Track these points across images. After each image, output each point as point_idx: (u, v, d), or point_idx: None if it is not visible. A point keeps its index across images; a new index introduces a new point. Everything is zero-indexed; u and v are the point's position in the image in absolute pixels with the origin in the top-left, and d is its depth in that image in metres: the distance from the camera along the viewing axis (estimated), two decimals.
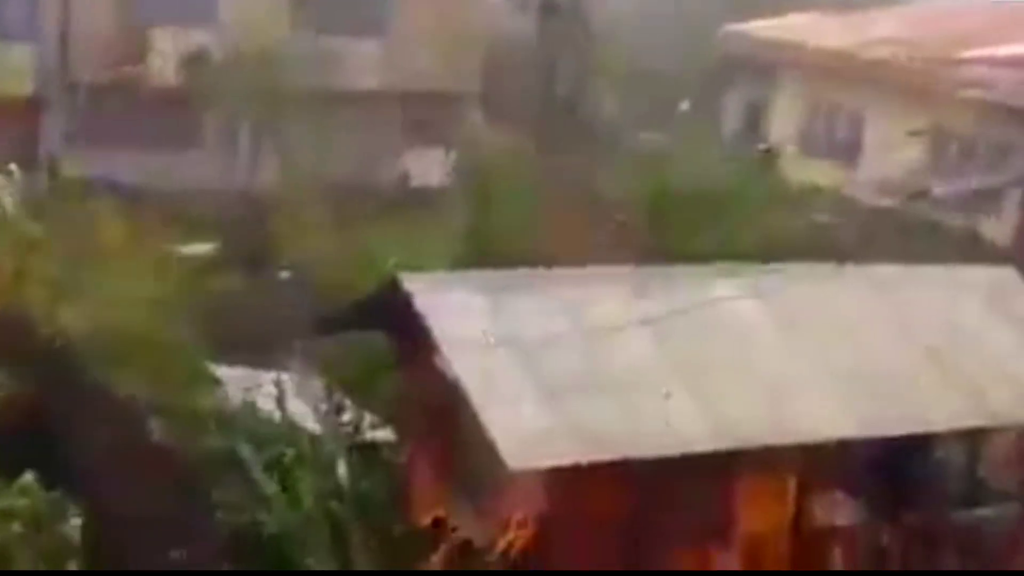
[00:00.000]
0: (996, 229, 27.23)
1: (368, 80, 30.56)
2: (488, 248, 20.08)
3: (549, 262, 15.01)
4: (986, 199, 27.79)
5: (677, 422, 12.87)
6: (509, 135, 29.25)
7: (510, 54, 33.08)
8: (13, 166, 23.77)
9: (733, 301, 14.19)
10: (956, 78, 28.04)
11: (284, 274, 22.32)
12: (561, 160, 26.84)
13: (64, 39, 29.21)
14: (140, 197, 23.44)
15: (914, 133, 27.29)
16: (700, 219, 21.79)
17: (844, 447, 13.90)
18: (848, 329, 14.46)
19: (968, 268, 16.11)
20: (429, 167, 29.94)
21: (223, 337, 17.75)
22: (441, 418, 14.09)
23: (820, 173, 29.51)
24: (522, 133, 29.44)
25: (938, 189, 27.49)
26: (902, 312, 14.94)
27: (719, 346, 13.76)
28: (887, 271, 15.84)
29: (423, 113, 30.72)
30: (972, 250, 23.24)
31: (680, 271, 14.82)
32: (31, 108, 28.72)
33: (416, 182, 29.71)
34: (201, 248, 22.70)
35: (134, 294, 17.68)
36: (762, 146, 30.53)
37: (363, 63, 30.58)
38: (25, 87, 28.56)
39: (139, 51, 29.47)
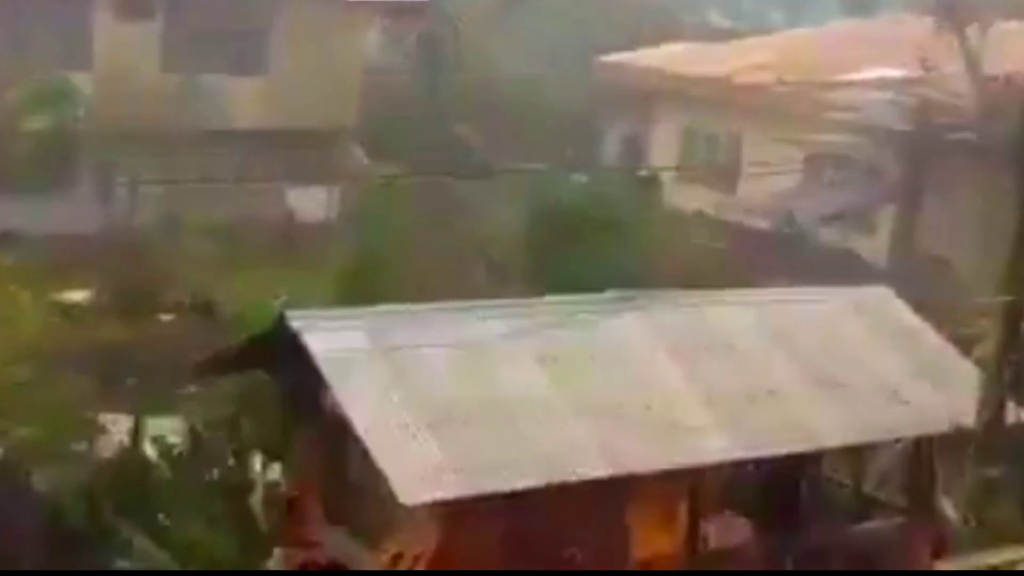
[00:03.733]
0: (871, 248, 27.85)
1: (248, 119, 30.37)
2: (374, 283, 20.04)
3: (435, 294, 15.02)
4: (860, 219, 28.42)
5: (567, 450, 12.94)
6: (392, 169, 29.25)
7: (390, 88, 33.13)
8: None
9: (617, 326, 14.33)
10: (826, 101, 28.69)
11: (166, 317, 22.06)
12: (444, 192, 26.91)
13: None
14: (11, 244, 23.02)
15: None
16: (582, 246, 21.97)
17: (734, 468, 14.08)
18: (732, 351, 14.68)
19: (844, 288, 16.47)
20: (314, 204, 29.83)
21: (107, 383, 17.47)
22: (331, 455, 14.00)
23: (700, 199, 29.94)
24: (404, 167, 29.47)
25: (813, 210, 28.06)
26: (784, 333, 15.20)
27: (605, 372, 13.87)
28: (768, 293, 16.14)
29: (306, 150, 30.60)
30: (848, 269, 23.73)
31: (564, 299, 14.94)
32: None
33: (301, 219, 29.57)
34: (79, 295, 22.35)
35: (8, 343, 17.34)
36: (642, 173, 30.90)
37: (243, 102, 30.40)
38: None
39: (10, 95, 29.00)
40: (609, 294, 14.89)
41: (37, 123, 27.89)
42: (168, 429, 16.10)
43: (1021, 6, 29.90)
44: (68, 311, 20.74)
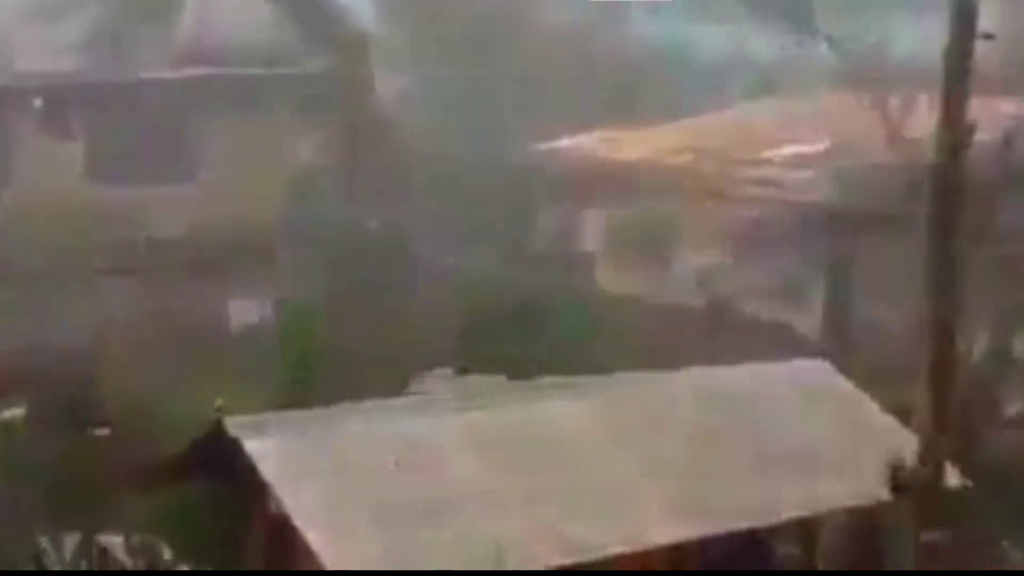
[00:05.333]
0: (805, 322, 28.11)
1: (178, 229, 30.27)
2: (314, 385, 19.95)
3: (373, 391, 14.99)
4: (792, 292, 28.73)
5: (519, 542, 12.89)
6: (328, 270, 29.23)
7: (323, 188, 33.12)
8: None
9: (557, 413, 14.36)
10: (747, 179, 29.19)
11: (101, 431, 21.78)
12: (375, 289, 26.92)
13: None
14: None
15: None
16: (517, 335, 22.03)
17: (682, 550, 14.06)
18: (673, 432, 14.73)
19: (783, 364, 16.62)
20: (250, 309, 29.70)
21: (43, 503, 17.20)
22: (275, 558, 13.86)
23: (631, 280, 30.16)
24: (341, 266, 29.46)
25: (743, 286, 28.36)
26: (724, 412, 15.29)
27: (548, 459, 13.87)
28: (706, 373, 16.22)
29: (238, 257, 30.49)
30: (783, 342, 23.92)
31: (502, 387, 14.97)
32: None
33: (238, 324, 29.40)
34: (10, 413, 22.05)
35: None
36: (572, 257, 31.13)
37: (174, 210, 30.33)
38: None
39: None
40: (545, 379, 14.94)
41: None
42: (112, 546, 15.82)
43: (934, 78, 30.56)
44: (3, 429, 20.46)
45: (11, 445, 19.36)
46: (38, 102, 30.53)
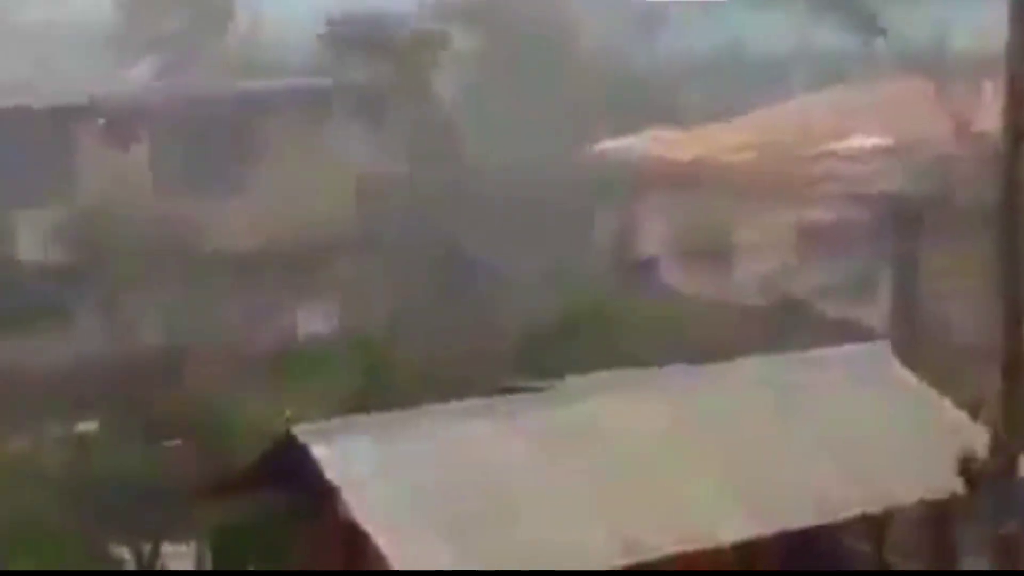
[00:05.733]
0: (873, 316, 27.85)
1: (243, 239, 30.53)
2: (380, 390, 20.07)
3: (440, 395, 15.04)
4: (859, 287, 28.49)
5: (581, 543, 12.89)
6: (392, 277, 29.37)
7: (385, 195, 33.25)
8: None
9: (620, 410, 14.33)
10: (810, 174, 28.96)
11: (173, 442, 22.03)
12: (439, 294, 27.01)
13: None
14: (14, 379, 23.06)
15: None
16: (580, 336, 22.02)
17: (751, 546, 13.99)
18: (739, 426, 14.66)
19: (840, 348, 16.45)
20: (317, 316, 29.90)
21: (119, 514, 17.43)
22: (345, 563, 13.95)
23: (696, 280, 30.02)
24: (404, 273, 29.59)
25: (809, 283, 28.16)
26: (789, 404, 15.17)
27: (614, 457, 13.85)
28: (768, 363, 16.07)
29: (302, 265, 30.69)
30: (852, 339, 23.70)
31: (562, 390, 14.94)
32: None
33: (304, 333, 29.60)
34: (86, 426, 22.35)
35: (19, 482, 17.33)
36: (640, 259, 31.05)
37: (236, 222, 30.60)
38: None
39: (8, 236, 29.24)
40: (606, 375, 14.90)
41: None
42: (183, 555, 16.01)
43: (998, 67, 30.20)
44: (79, 442, 20.75)
45: (87, 458, 19.63)
46: (102, 119, 30.96)
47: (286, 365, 24.03)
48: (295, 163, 31.32)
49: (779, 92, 37.36)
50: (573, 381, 15.06)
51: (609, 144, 34.27)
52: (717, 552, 13.47)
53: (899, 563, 15.79)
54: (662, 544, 12.94)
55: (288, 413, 17.99)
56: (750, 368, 15.72)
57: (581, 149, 34.12)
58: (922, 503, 15.22)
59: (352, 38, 34.63)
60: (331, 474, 13.16)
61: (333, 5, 36.36)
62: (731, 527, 13.39)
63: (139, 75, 40.58)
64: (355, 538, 13.10)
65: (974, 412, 16.08)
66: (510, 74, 38.17)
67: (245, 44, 42.05)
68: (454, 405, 14.39)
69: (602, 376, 14.91)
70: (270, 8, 43.22)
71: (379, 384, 20.44)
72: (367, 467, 13.21)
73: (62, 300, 29.13)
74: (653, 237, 32.66)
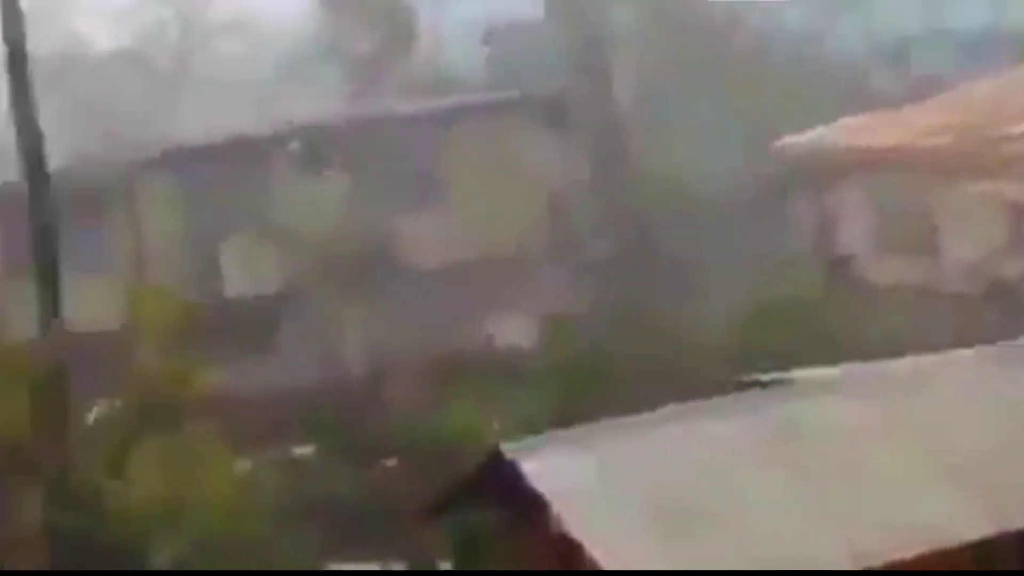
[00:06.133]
0: None
1: (438, 253, 30.91)
2: (582, 401, 20.03)
3: (645, 403, 14.90)
4: None
5: (806, 547, 12.59)
6: (586, 285, 29.36)
7: (575, 202, 33.26)
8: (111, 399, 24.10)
9: (834, 409, 13.95)
10: (1012, 153, 27.92)
11: (389, 462, 22.36)
12: (639, 298, 26.88)
13: (139, 264, 29.91)
14: (231, 406, 23.66)
15: None
16: (785, 333, 21.64)
17: (984, 546, 13.46)
18: (961, 421, 14.14)
19: None
20: (513, 329, 30.05)
21: (338, 533, 17.74)
22: None
23: (898, 270, 29.24)
24: (596, 279, 29.55)
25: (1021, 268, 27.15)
26: (1006, 395, 14.59)
27: (832, 460, 13.50)
28: (984, 354, 15.47)
29: (498, 278, 30.89)
30: None
31: (775, 389, 14.64)
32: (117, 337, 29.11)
33: (502, 344, 29.79)
34: (303, 450, 22.84)
35: (240, 504, 17.78)
36: (841, 251, 30.42)
37: (431, 236, 30.98)
38: (110, 318, 29.05)
39: (212, 266, 30.10)
40: (816, 374, 14.55)
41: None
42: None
43: None
44: (294, 466, 21.22)
45: (304, 481, 20.05)
46: (295, 144, 31.67)
47: (489, 379, 24.19)
48: (485, 177, 31.58)
49: (973, 70, 36.22)
50: (783, 384, 14.75)
51: (799, 136, 33.63)
52: (953, 553, 13.00)
53: None
54: (891, 546, 12.56)
55: (495, 426, 18.11)
56: (966, 360, 15.16)
57: (771, 142, 33.58)
58: None
59: (523, 49, 34.76)
60: (542, 488, 13.11)
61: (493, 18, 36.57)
62: (964, 527, 12.90)
63: (329, 98, 41.46)
64: (571, 552, 13.03)
65: None
66: (685, 71, 37.83)
67: (428, 62, 42.63)
68: (662, 412, 14.22)
69: (820, 372, 14.57)
70: (447, 25, 43.74)
71: (584, 393, 20.41)
72: (578, 478, 13.12)
73: (267, 325, 29.88)
74: (852, 228, 31.95)
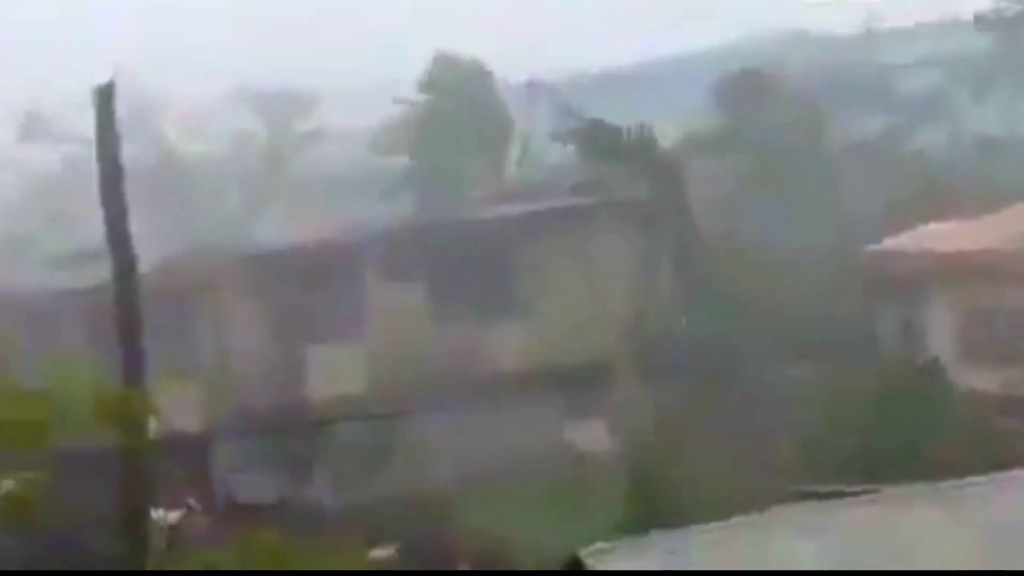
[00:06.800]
0: None
1: (516, 361, 30.80)
2: (663, 507, 19.79)
3: (724, 511, 14.69)
4: None
5: None
6: (661, 394, 29.08)
7: (653, 309, 33.09)
8: (191, 500, 24.27)
9: (915, 523, 13.63)
10: None
11: (464, 566, 22.21)
12: (715, 410, 26.58)
13: (225, 367, 30.13)
14: (315, 517, 23.69)
15: None
16: (875, 439, 21.27)
17: None
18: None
19: None
20: (592, 435, 29.82)
21: None
22: None
23: (987, 378, 28.72)
24: (672, 389, 29.27)
25: None
26: None
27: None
28: None
29: (576, 384, 30.69)
30: None
31: (855, 501, 14.32)
32: (200, 440, 29.32)
33: (582, 451, 29.55)
34: (384, 552, 22.76)
35: None
36: (924, 358, 29.95)
37: (509, 346, 30.94)
38: (193, 420, 29.29)
39: (297, 371, 30.23)
40: (899, 488, 14.25)
41: None
42: None
43: None
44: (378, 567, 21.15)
45: None
46: (381, 250, 31.90)
47: (567, 483, 24.02)
48: (566, 285, 31.53)
49: None
50: (862, 495, 14.45)
51: (886, 242, 33.34)
52: None
53: None
54: None
55: (572, 534, 17.89)
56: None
57: (856, 248, 33.32)
58: None
59: (608, 155, 34.75)
60: None
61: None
62: None
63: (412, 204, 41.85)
64: None
65: None
66: (768, 182, 37.69)
67: (516, 166, 42.97)
68: (741, 520, 13.99)
69: (897, 490, 14.27)
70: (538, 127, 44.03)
71: (659, 502, 20.17)
72: None
73: (354, 433, 29.85)
74: (939, 335, 31.50)
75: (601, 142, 35.12)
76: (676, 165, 34.68)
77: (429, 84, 43.57)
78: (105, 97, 18.62)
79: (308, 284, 30.51)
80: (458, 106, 42.99)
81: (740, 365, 29.62)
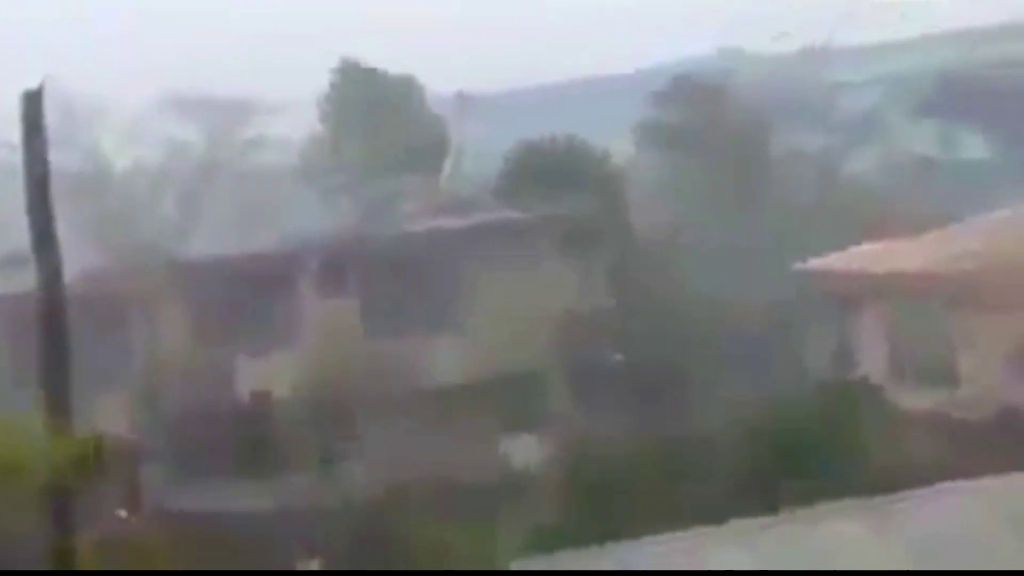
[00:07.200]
0: None
1: (449, 374, 30.67)
2: (591, 523, 19.71)
3: (658, 525, 14.61)
4: None
5: None
6: (601, 407, 29.07)
7: (590, 325, 33.06)
8: (122, 512, 23.88)
9: (846, 536, 13.63)
10: None
11: None
12: (648, 424, 26.58)
13: (151, 377, 29.78)
14: (245, 525, 23.39)
15: None
16: (807, 461, 21.30)
17: None
18: (983, 553, 13.80)
19: None
20: (527, 450, 29.72)
21: None
22: None
23: (918, 398, 28.89)
24: (613, 402, 29.26)
25: None
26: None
27: None
28: (1003, 484, 15.16)
29: (509, 397, 30.62)
30: None
31: (791, 516, 14.33)
32: (130, 449, 28.92)
33: (517, 465, 29.41)
34: (309, 565, 22.53)
35: None
36: (854, 377, 30.09)
37: (442, 359, 30.79)
38: (122, 429, 28.88)
39: (224, 380, 29.95)
40: (831, 504, 14.26)
41: None
42: None
43: None
44: None
45: None
46: (315, 263, 31.70)
47: (499, 498, 23.85)
48: (500, 298, 31.44)
49: (985, 200, 36.29)
50: (799, 510, 14.44)
51: (818, 260, 33.51)
52: None
53: None
54: None
55: (506, 546, 17.75)
56: (984, 490, 14.84)
57: (788, 266, 33.49)
58: None
59: (541, 169, 34.79)
60: None
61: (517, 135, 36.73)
62: None
63: (347, 216, 41.59)
64: None
65: None
66: (709, 198, 37.87)
67: (448, 180, 42.80)
68: (680, 535, 13.92)
69: (832, 506, 14.26)
70: (470, 141, 44.00)
71: (594, 515, 20.08)
72: None
73: (283, 442, 29.59)
74: (870, 354, 31.68)
75: (533, 155, 35.14)
76: (613, 177, 34.74)
77: (355, 96, 43.37)
78: (33, 102, 18.26)
79: (240, 295, 30.25)
80: (388, 119, 42.84)
81: (676, 380, 29.66)
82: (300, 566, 22.25)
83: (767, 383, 29.74)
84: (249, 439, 29.04)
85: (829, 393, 27.39)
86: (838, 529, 13.75)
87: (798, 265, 33.59)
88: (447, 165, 43.53)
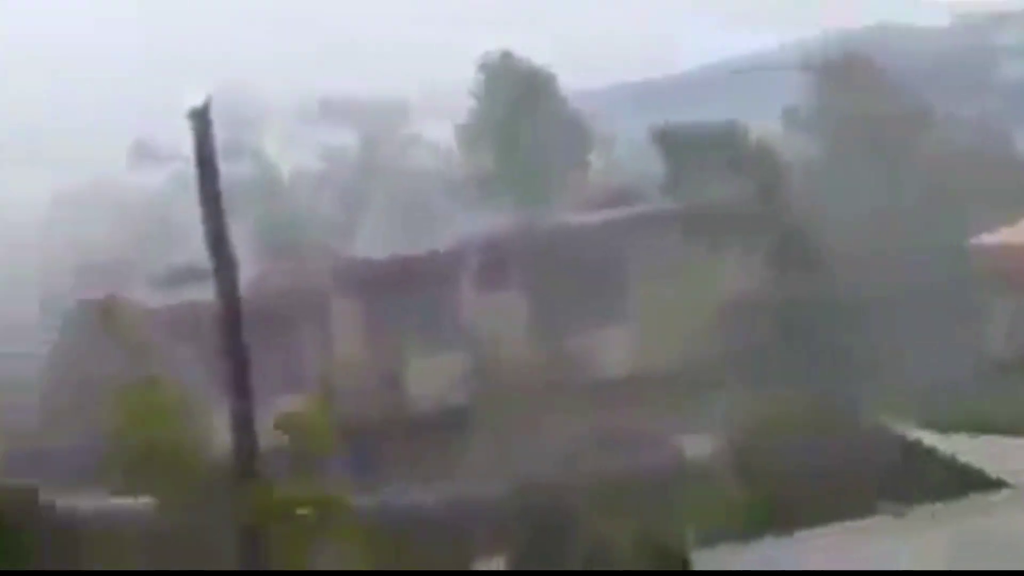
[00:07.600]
0: None
1: (619, 367, 30.71)
2: (769, 513, 19.62)
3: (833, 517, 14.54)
4: None
5: None
6: (769, 397, 28.80)
7: (752, 311, 32.79)
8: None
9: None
10: None
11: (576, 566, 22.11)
12: (826, 410, 26.27)
13: (325, 381, 30.33)
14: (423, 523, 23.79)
15: None
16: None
17: None
18: None
19: None
20: (700, 442, 29.62)
21: None
22: None
23: None
24: (782, 391, 28.97)
25: None
26: None
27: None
28: None
29: (680, 391, 30.49)
30: None
31: (964, 504, 14.08)
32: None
33: (690, 455, 29.32)
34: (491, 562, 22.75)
35: None
36: None
37: (612, 352, 30.85)
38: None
39: (397, 380, 30.42)
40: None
41: None
42: None
43: None
44: None
45: None
46: (477, 259, 32.03)
47: (673, 491, 23.85)
48: (664, 289, 31.38)
49: None
50: (970, 496, 14.22)
51: (987, 238, 32.71)
52: None
53: None
54: None
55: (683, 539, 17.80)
56: None
57: (958, 242, 32.75)
58: None
59: (689, 153, 34.42)
60: None
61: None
62: None
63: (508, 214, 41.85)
64: None
65: None
66: (865, 178, 37.10)
67: (600, 173, 42.77)
68: (850, 525, 13.86)
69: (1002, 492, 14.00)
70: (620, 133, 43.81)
71: (769, 507, 19.99)
72: None
73: (455, 440, 29.94)
74: None
75: (690, 143, 34.91)
76: (773, 162, 34.36)
77: (502, 89, 43.40)
78: (201, 118, 18.83)
79: (406, 295, 30.71)
80: (534, 111, 42.87)
81: (847, 365, 29.28)
82: (481, 564, 22.52)
83: (941, 365, 29.17)
84: (423, 439, 29.45)
85: (1009, 374, 26.79)
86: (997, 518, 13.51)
87: (974, 238, 32.70)
88: (598, 157, 43.54)
